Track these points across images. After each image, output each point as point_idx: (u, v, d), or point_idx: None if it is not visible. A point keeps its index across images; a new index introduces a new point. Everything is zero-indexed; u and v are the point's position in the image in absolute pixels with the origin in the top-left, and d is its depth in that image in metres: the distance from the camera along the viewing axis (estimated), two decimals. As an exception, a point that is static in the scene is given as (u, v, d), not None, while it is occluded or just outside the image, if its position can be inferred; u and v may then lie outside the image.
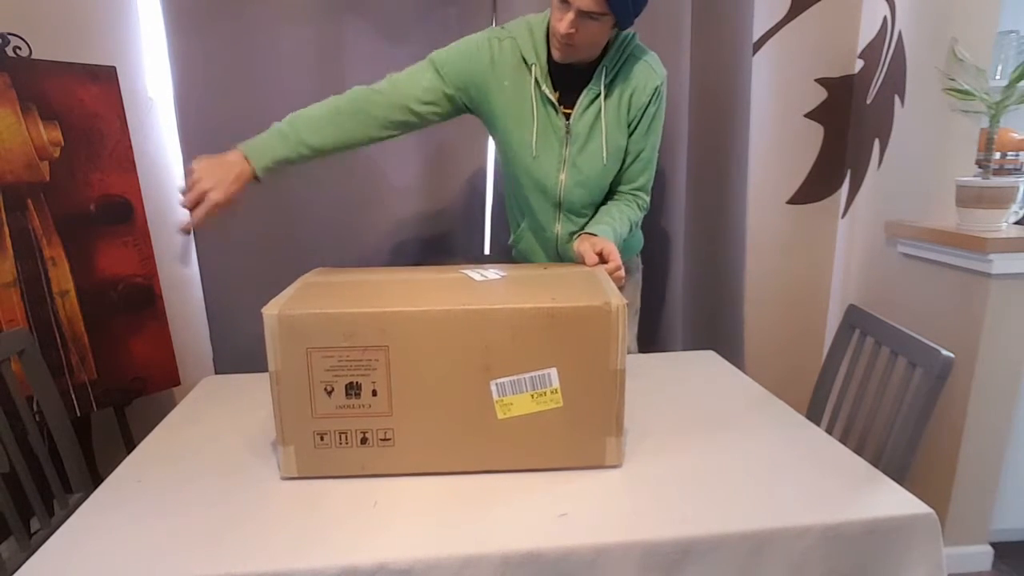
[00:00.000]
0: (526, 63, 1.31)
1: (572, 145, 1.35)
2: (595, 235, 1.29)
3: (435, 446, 0.97)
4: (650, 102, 1.33)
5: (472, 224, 1.93)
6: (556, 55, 1.27)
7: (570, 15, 1.19)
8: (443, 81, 1.32)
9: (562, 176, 1.38)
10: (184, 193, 1.19)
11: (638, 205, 1.43)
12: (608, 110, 1.33)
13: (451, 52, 1.33)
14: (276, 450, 0.98)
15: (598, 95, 1.31)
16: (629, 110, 1.34)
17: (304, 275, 1.17)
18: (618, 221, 1.36)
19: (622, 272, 1.20)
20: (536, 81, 1.31)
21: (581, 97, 1.32)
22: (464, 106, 1.37)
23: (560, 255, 1.46)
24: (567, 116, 1.34)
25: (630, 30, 1.33)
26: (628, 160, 1.39)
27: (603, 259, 1.22)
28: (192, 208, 1.18)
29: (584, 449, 0.99)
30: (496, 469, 0.98)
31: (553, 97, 1.32)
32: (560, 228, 1.43)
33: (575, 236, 1.40)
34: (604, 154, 1.34)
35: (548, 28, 1.30)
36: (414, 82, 1.32)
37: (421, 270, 1.29)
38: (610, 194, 1.43)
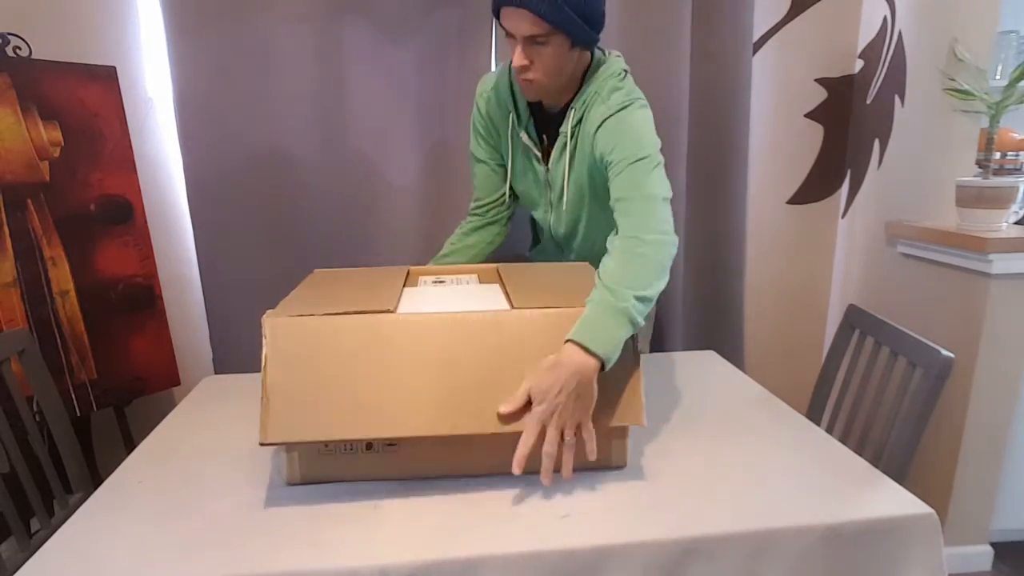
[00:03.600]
0: (507, 109, 1.31)
1: (553, 191, 1.33)
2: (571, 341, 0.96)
3: (441, 450, 0.97)
4: (595, 135, 1.18)
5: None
6: (526, 95, 1.22)
7: (518, 47, 1.11)
8: (487, 165, 1.41)
9: (550, 218, 1.39)
10: None
11: (625, 247, 1.06)
12: (576, 158, 1.24)
13: (471, 137, 1.41)
14: (279, 455, 0.98)
15: (567, 143, 1.24)
16: (593, 154, 1.21)
17: (306, 279, 1.17)
18: (594, 296, 1.00)
19: (544, 411, 0.90)
20: (513, 126, 1.31)
21: (556, 144, 1.27)
22: None
23: None
24: (547, 160, 1.30)
25: (601, 55, 1.25)
26: (611, 193, 1.17)
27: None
28: None
29: None
30: (502, 472, 0.98)
31: (534, 147, 1.30)
32: (564, 259, 1.47)
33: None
34: (565, 199, 1.30)
35: None
36: (483, 185, 1.43)
37: (423, 270, 1.29)
38: None
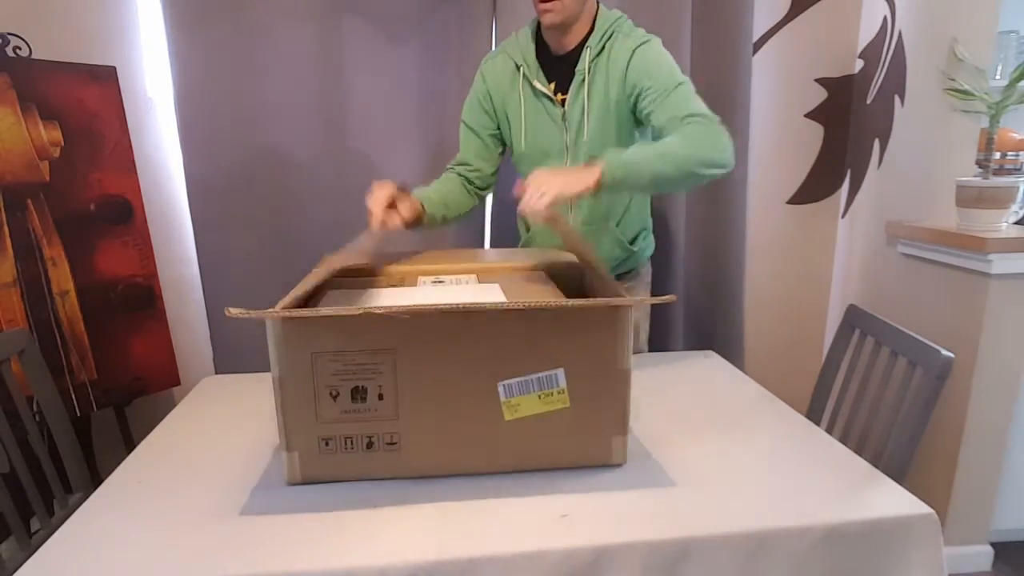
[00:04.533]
0: (516, 67, 1.38)
1: (570, 132, 1.38)
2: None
3: (442, 449, 0.97)
4: (628, 64, 1.29)
5: (472, 224, 1.93)
6: (544, 22, 1.30)
7: None
8: (476, 133, 1.45)
9: (566, 163, 1.41)
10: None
11: (689, 128, 1.22)
12: (595, 91, 1.33)
13: (467, 104, 1.46)
14: (279, 454, 0.98)
15: (584, 78, 1.33)
16: (624, 83, 1.31)
17: (314, 270, 1.16)
18: (640, 147, 1.21)
19: (541, 204, 1.07)
20: (525, 77, 1.38)
21: (572, 83, 1.35)
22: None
23: None
24: (564, 103, 1.37)
25: (615, 10, 1.36)
26: (655, 119, 1.27)
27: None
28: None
29: (590, 448, 0.99)
30: (503, 470, 0.98)
31: (547, 89, 1.37)
32: (574, 218, 1.44)
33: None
34: (585, 132, 1.35)
35: (536, 26, 1.37)
36: (466, 148, 1.47)
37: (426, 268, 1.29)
38: None
